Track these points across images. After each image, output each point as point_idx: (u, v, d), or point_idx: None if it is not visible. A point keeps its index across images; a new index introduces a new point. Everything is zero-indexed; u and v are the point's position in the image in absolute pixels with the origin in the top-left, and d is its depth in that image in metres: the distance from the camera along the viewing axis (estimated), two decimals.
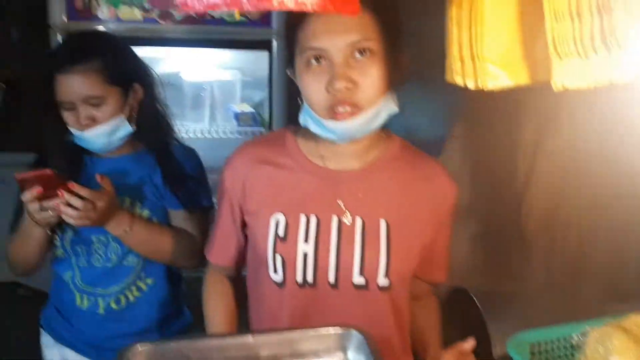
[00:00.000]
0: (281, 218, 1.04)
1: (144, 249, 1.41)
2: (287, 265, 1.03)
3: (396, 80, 0.98)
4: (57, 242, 1.43)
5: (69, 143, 1.38)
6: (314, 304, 1.04)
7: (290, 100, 1.98)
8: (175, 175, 1.49)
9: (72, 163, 1.42)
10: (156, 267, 1.48)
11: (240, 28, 1.85)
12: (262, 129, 2.09)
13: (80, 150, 1.41)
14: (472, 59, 0.79)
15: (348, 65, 0.93)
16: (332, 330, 0.95)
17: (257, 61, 2.14)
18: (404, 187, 1.05)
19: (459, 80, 0.83)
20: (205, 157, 2.51)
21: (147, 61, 2.15)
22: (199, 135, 2.08)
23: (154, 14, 1.79)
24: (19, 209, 1.36)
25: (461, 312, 1.49)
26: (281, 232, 1.03)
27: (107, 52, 1.38)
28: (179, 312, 1.56)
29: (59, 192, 1.26)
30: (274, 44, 1.89)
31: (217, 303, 1.18)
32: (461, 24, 0.80)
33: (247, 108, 2.15)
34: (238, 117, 2.07)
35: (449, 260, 1.14)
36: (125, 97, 1.41)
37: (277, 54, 1.91)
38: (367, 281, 1.02)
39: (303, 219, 1.03)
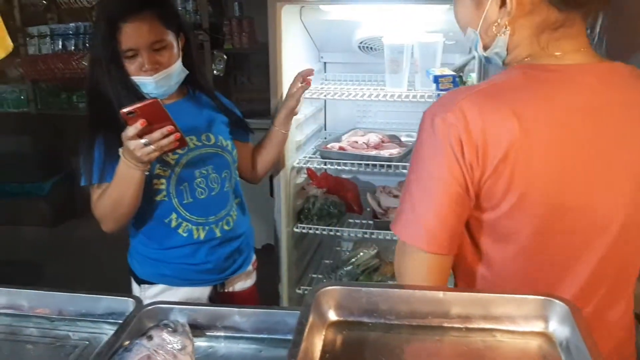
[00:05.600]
0: None
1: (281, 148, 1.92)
2: None
3: None
4: (162, 187, 1.56)
5: (133, 91, 1.48)
6: None
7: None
8: (231, 112, 1.72)
9: None
10: (237, 187, 1.75)
11: None
12: None
13: (143, 99, 1.47)
14: None
15: None
16: (531, 296, 0.86)
17: None
18: None
19: None
20: (405, 118, 2.53)
21: (350, 25, 2.19)
22: (397, 98, 2.06)
23: None
24: (104, 159, 1.46)
25: None
26: None
27: (160, 1, 1.52)
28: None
29: (168, 124, 1.35)
30: None
31: None
32: None
33: (447, 71, 2.07)
34: (438, 80, 2.01)
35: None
36: (177, 44, 1.54)
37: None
38: None
39: None
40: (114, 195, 1.46)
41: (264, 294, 2.23)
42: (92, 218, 1.57)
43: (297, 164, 2.25)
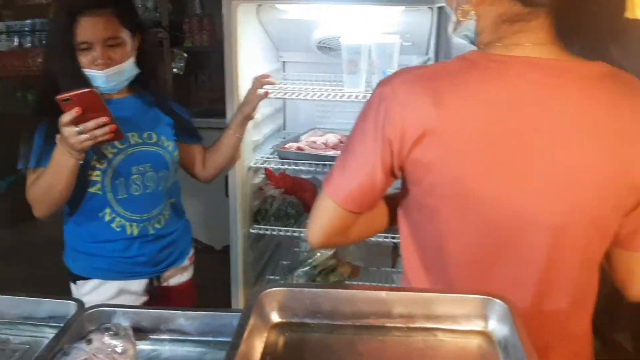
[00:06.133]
0: None
1: (235, 151, 1.87)
2: None
3: None
4: (98, 178, 1.58)
5: (82, 83, 1.50)
6: None
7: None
8: (178, 115, 1.74)
9: None
10: (173, 188, 1.76)
11: None
12: None
13: None
14: None
15: None
16: (471, 295, 0.88)
17: (417, 23, 2.07)
18: None
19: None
20: None
21: (308, 25, 2.19)
22: (354, 99, 2.07)
23: None
24: (43, 145, 1.50)
25: None
26: None
27: (121, 0, 1.57)
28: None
29: (103, 115, 1.37)
30: None
31: None
32: None
33: None
34: None
35: None
36: (132, 42, 1.58)
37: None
38: None
39: None
40: (47, 181, 1.49)
41: (222, 296, 2.22)
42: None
43: (255, 164, 2.24)
